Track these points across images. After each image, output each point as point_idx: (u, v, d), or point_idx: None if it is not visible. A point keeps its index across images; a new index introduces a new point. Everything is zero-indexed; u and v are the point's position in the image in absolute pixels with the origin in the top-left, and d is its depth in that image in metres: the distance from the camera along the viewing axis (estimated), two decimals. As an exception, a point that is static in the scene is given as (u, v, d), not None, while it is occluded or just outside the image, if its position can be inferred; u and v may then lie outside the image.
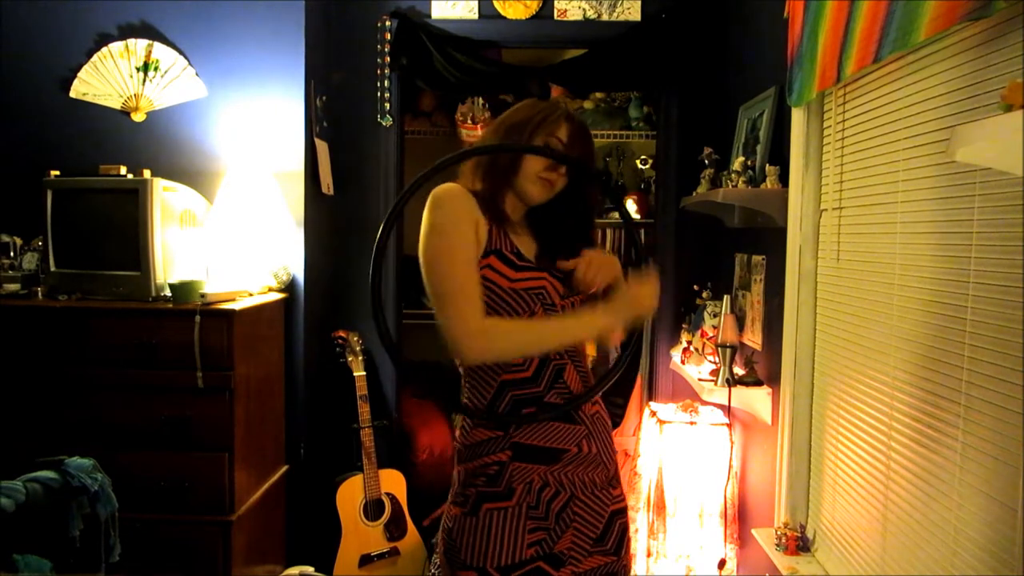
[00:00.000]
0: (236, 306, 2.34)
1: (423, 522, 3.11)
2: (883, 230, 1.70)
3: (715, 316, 2.64)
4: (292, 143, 2.79)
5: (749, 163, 2.37)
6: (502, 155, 1.45)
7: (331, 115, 3.05)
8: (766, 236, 2.37)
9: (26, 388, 2.33)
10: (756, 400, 2.38)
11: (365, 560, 2.88)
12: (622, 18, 3.10)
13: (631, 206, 3.88)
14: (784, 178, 2.19)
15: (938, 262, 1.46)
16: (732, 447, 2.58)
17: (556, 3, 3.11)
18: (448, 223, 1.37)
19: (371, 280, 1.35)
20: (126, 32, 2.75)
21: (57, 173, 2.48)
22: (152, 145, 2.75)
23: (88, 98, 2.75)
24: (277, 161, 2.78)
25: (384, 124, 3.14)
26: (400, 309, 3.43)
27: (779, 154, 2.26)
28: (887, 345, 1.66)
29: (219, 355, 2.29)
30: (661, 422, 2.69)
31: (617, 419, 3.29)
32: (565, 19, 3.11)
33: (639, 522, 2.70)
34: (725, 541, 2.61)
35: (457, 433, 1.50)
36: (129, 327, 2.30)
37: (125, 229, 2.39)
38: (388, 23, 3.07)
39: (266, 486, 2.60)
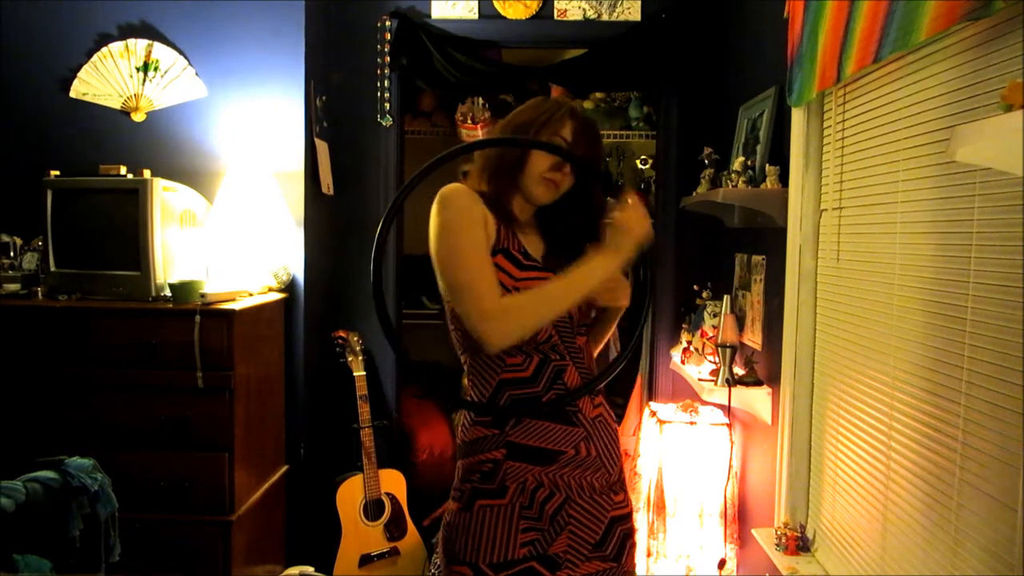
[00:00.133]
0: (236, 306, 2.34)
1: (423, 522, 3.11)
2: (883, 230, 1.70)
3: (715, 316, 2.64)
4: (292, 143, 2.79)
5: (749, 163, 2.37)
6: (507, 157, 1.44)
7: (331, 115, 3.05)
8: (766, 236, 2.37)
9: (26, 388, 2.33)
10: (756, 400, 2.38)
11: (365, 560, 2.88)
12: (622, 18, 3.10)
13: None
14: (784, 178, 2.19)
15: (938, 262, 1.46)
16: (732, 447, 2.58)
17: (556, 3, 3.11)
18: (457, 219, 1.37)
19: (372, 267, 1.36)
20: (126, 32, 2.75)
21: (57, 173, 2.48)
22: (152, 145, 2.75)
23: (88, 98, 2.75)
24: (277, 161, 2.78)
25: (384, 124, 3.14)
26: (400, 309, 3.43)
27: (779, 154, 2.26)
28: (887, 345, 1.66)
29: (219, 355, 2.29)
30: (661, 422, 2.69)
31: (617, 419, 3.28)
32: (565, 19, 3.11)
33: (639, 522, 2.70)
34: (725, 541, 2.61)
35: (458, 429, 1.50)
36: (129, 327, 2.30)
37: (125, 229, 2.39)
38: (388, 23, 3.07)
39: (266, 486, 2.60)
